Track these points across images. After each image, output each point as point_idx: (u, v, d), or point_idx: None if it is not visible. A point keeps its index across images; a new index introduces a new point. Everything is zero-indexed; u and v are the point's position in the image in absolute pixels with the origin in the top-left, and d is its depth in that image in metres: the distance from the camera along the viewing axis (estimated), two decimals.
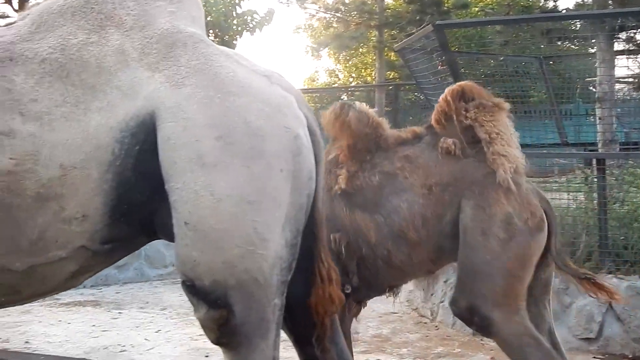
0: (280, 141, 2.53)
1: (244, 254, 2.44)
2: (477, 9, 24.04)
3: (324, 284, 2.76)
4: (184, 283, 2.53)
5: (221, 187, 2.43)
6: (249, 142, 2.48)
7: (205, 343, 6.44)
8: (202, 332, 6.55)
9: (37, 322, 7.21)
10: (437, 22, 6.46)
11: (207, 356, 5.89)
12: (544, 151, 8.01)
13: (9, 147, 2.45)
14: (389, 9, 21.91)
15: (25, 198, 2.45)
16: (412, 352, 6.05)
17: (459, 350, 6.03)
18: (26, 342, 6.35)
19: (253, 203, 2.45)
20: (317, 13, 21.75)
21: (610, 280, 5.74)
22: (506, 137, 3.62)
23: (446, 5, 20.53)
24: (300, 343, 2.89)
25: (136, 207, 2.55)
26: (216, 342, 2.58)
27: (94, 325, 7.06)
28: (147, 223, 2.62)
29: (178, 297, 8.21)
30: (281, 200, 2.51)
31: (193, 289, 2.50)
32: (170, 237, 2.54)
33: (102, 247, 2.61)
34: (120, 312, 7.70)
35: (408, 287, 7.80)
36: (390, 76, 24.46)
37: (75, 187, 2.47)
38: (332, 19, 22.24)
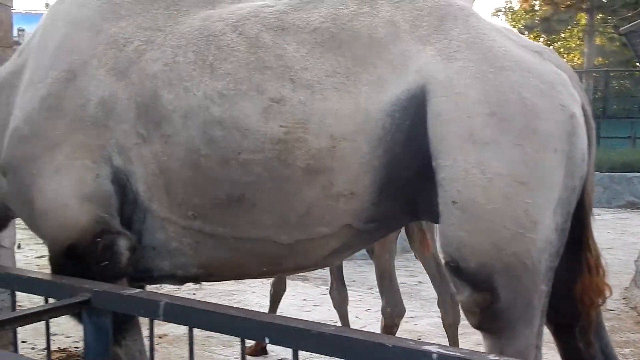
0: (556, 120, 2.39)
1: (513, 237, 2.34)
2: None
3: (591, 274, 2.60)
4: (447, 264, 2.46)
5: (493, 166, 2.33)
6: (523, 120, 2.35)
7: (416, 326, 6.48)
8: (411, 314, 6.51)
9: (251, 292, 7.48)
10: None
11: (419, 338, 5.83)
12: None
13: (279, 114, 2.48)
14: None
15: (296, 169, 2.48)
16: (636, 353, 5.68)
17: None
18: None
19: (525, 184, 2.33)
20: None
21: None
22: None
23: None
24: (560, 333, 2.74)
25: (403, 185, 2.51)
26: (477, 326, 2.50)
27: (304, 300, 7.22)
28: (412, 202, 2.57)
29: None
30: (554, 182, 2.37)
31: (457, 270, 2.43)
32: (433, 217, 2.48)
33: (366, 226, 2.59)
34: (328, 288, 7.84)
35: (624, 284, 7.38)
36: (598, 62, 23.22)
37: (345, 161, 2.46)
38: (536, 1, 21.46)
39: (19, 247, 6.87)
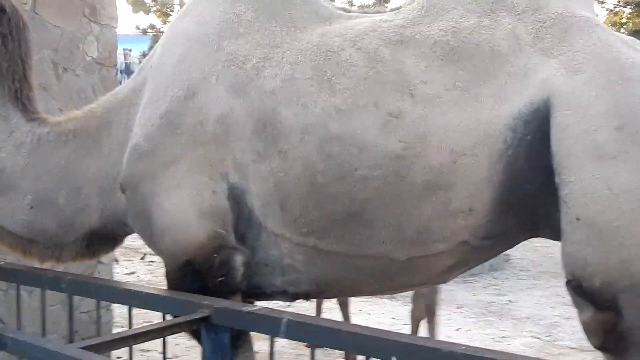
0: None
1: None
2: None
3: None
4: (569, 282, 2.39)
5: (620, 181, 2.26)
6: None
7: (510, 346, 6.35)
8: (503, 333, 6.36)
9: (337, 310, 7.47)
10: None
11: None
12: None
13: (398, 128, 2.46)
14: None
15: (414, 185, 2.46)
16: None
17: None
18: None
19: None
20: (615, 8, 20.54)
21: None
22: None
23: None
24: None
25: (523, 201, 2.46)
26: (600, 347, 2.41)
27: (393, 318, 7.16)
28: (531, 218, 2.51)
29: (472, 297, 8.11)
30: None
31: (580, 289, 2.35)
32: (555, 234, 2.42)
33: (483, 243, 2.55)
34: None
35: None
36: None
37: (465, 177, 2.43)
38: (626, 13, 20.92)
39: (116, 261, 7.04)
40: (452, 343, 1.88)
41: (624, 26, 21.13)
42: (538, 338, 6.30)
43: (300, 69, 2.61)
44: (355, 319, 6.94)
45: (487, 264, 9.25)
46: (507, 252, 9.67)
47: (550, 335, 6.44)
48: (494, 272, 9.29)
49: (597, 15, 2.68)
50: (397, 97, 2.48)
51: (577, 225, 2.31)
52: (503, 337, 6.41)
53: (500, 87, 2.45)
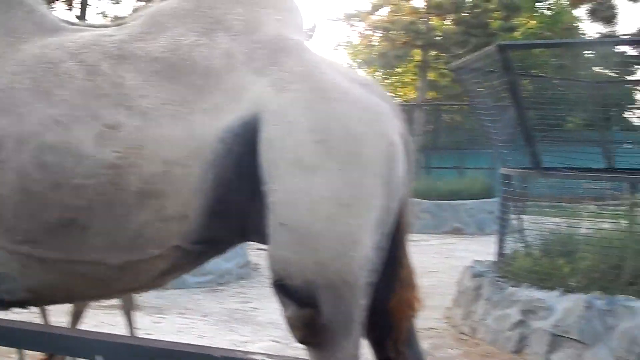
0: (377, 147, 2.60)
1: (336, 255, 2.52)
2: (518, 33, 24.03)
3: (403, 288, 2.82)
4: (275, 282, 2.60)
5: (318, 190, 2.51)
6: (347, 147, 2.55)
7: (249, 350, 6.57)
8: (245, 339, 6.58)
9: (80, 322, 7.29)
10: (501, 43, 6.48)
11: None
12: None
13: (113, 140, 2.55)
14: (435, 29, 22.01)
15: (129, 193, 2.54)
16: None
17: None
18: None
19: (348, 206, 2.52)
20: (364, 31, 21.93)
21: None
22: None
23: (492, 27, 20.57)
24: (376, 345, 2.94)
25: (233, 208, 2.63)
26: (302, 340, 2.65)
27: (137, 329, 7.11)
28: (242, 224, 2.69)
29: (218, 305, 8.27)
30: (374, 204, 2.57)
31: (283, 289, 2.57)
32: (262, 238, 2.62)
33: (195, 248, 2.69)
34: (161, 317, 7.76)
35: (445, 304, 7.85)
36: (430, 96, 24.50)
37: (178, 185, 2.56)
38: (375, 37, 22.41)
39: None
40: (154, 340, 1.97)
41: (374, 48, 22.73)
42: (277, 342, 6.57)
43: (19, 79, 2.62)
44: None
45: (235, 273, 9.56)
46: (257, 261, 9.94)
47: (289, 339, 6.71)
48: (242, 280, 9.55)
49: (307, 39, 2.93)
50: (114, 110, 2.57)
51: (280, 230, 2.52)
52: (244, 342, 6.60)
53: (214, 103, 2.61)
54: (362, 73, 27.93)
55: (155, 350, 1.90)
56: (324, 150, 2.53)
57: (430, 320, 7.47)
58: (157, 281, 2.83)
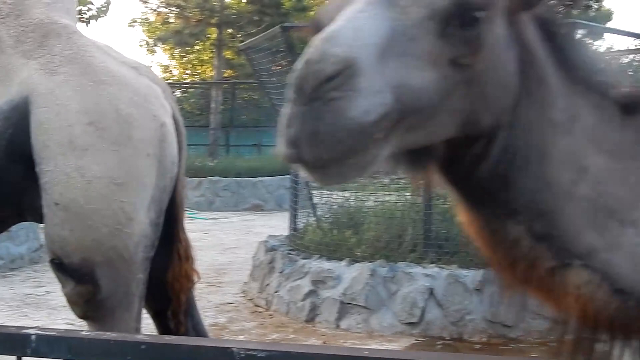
0: (148, 128, 2.72)
1: (111, 232, 2.62)
2: (312, 13, 24.55)
3: (181, 261, 2.98)
4: (52, 261, 2.67)
5: (91, 170, 2.60)
6: (118, 128, 2.65)
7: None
8: (38, 323, 6.46)
9: None
10: (284, 24, 6.70)
11: None
12: None
13: None
14: (230, 7, 22.07)
15: None
16: (250, 339, 6.29)
17: (293, 336, 6.34)
18: None
19: (121, 185, 2.63)
20: (157, 8, 21.50)
21: (432, 269, 6.31)
22: None
23: (285, 7, 20.94)
24: (157, 316, 3.08)
25: (6, 189, 2.66)
26: (82, 315, 2.74)
27: None
28: (18, 205, 2.73)
29: (10, 291, 8.00)
30: (147, 183, 2.70)
31: (61, 267, 2.65)
32: (38, 218, 2.68)
33: None
34: None
35: (243, 279, 8.09)
36: (227, 74, 24.59)
37: None
38: (170, 14, 22.06)
39: None
40: None
41: (169, 25, 22.39)
42: (72, 324, 6.49)
43: None
44: None
45: (27, 257, 9.22)
46: None
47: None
48: (35, 264, 9.25)
49: (77, 23, 2.98)
50: None
51: (55, 209, 2.59)
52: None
53: None
54: (159, 50, 27.53)
55: None
56: (95, 132, 2.62)
57: (228, 295, 7.67)
58: None
